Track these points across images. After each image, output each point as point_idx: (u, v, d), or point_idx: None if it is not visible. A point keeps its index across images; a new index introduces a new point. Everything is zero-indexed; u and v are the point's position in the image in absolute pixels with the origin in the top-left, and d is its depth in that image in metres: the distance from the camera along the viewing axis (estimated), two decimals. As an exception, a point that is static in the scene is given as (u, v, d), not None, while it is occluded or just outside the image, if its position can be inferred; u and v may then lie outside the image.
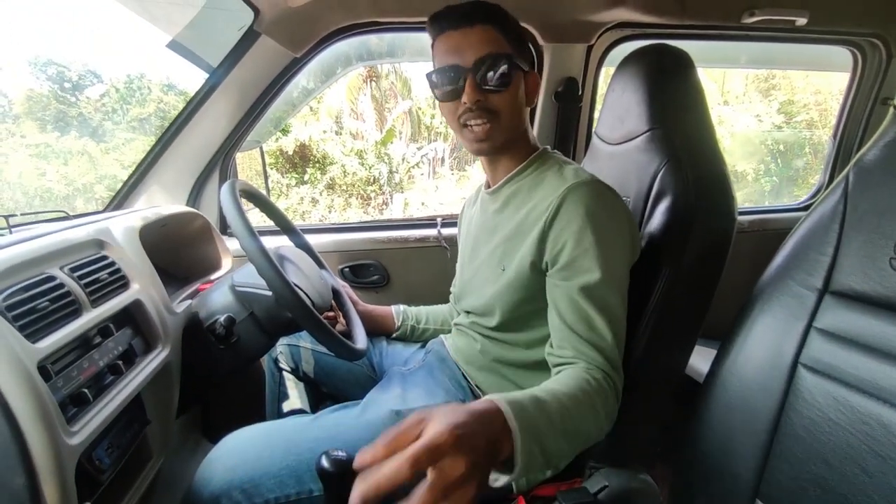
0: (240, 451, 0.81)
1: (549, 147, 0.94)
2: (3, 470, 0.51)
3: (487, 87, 0.81)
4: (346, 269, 1.56)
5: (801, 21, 1.37)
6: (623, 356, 0.85)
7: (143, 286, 0.83)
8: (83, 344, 0.69)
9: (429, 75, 0.86)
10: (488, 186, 0.97)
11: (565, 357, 0.77)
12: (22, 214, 0.97)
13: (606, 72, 1.54)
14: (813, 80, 7.83)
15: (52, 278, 0.67)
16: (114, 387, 0.70)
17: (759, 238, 1.70)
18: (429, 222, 1.61)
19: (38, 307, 0.62)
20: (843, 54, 1.69)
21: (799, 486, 0.62)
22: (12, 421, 0.52)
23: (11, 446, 0.51)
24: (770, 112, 8.22)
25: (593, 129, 1.22)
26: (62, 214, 1.08)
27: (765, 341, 0.69)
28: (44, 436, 0.54)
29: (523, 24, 1.15)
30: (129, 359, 0.77)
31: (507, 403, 0.53)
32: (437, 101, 0.88)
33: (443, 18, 0.83)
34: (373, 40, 1.59)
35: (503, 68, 0.80)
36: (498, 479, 0.53)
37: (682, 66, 0.92)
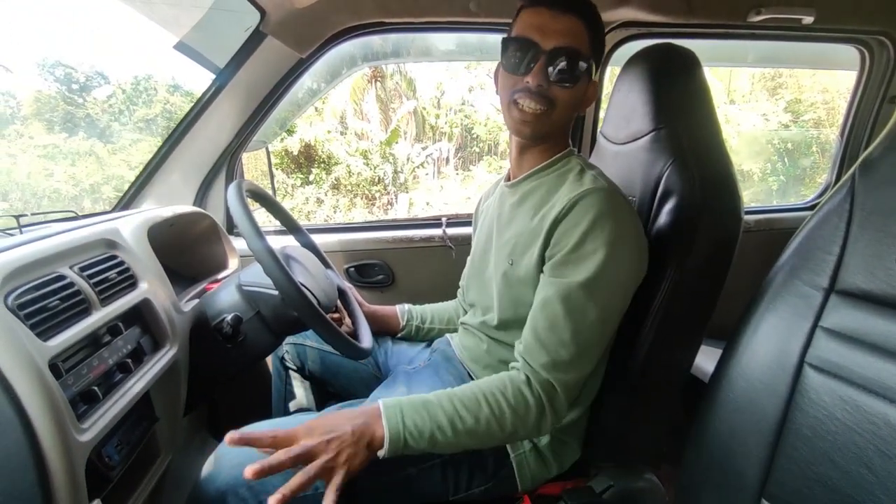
0: (246, 448, 0.82)
1: (575, 150, 0.93)
2: (16, 466, 0.52)
3: (554, 78, 0.80)
4: (352, 269, 1.56)
5: (808, 19, 1.36)
6: (628, 358, 0.85)
7: (152, 285, 0.84)
8: (93, 342, 0.70)
9: (504, 40, 0.84)
10: (508, 179, 0.97)
11: (518, 351, 0.80)
12: (32, 214, 0.98)
13: (612, 71, 1.54)
14: (820, 79, 7.79)
15: (62, 277, 0.68)
16: (123, 385, 0.71)
17: (766, 237, 1.69)
18: (434, 222, 1.61)
19: (49, 306, 0.63)
20: (850, 52, 1.68)
21: (805, 486, 0.62)
22: (24, 418, 0.52)
23: (23, 443, 0.52)
24: (777, 111, 8.18)
25: (598, 129, 1.22)
26: (71, 214, 1.09)
27: (770, 341, 0.69)
28: (55, 432, 0.54)
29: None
30: (138, 357, 0.77)
31: (383, 402, 0.74)
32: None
33: None
34: (377, 41, 1.60)
35: (577, 65, 0.79)
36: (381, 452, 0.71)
37: (688, 66, 0.92)
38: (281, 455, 0.64)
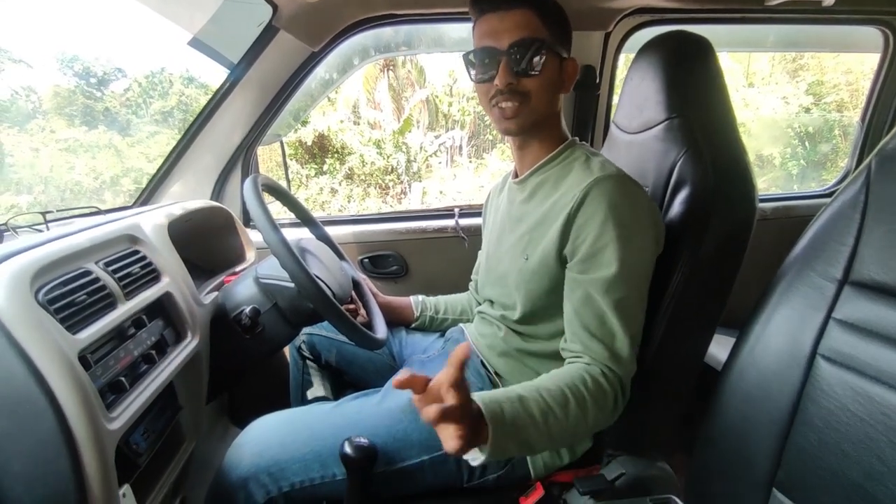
0: (266, 437, 0.84)
1: (577, 139, 0.93)
2: (50, 454, 0.55)
3: (520, 71, 0.81)
4: (366, 260, 1.58)
5: (828, 1, 1.32)
6: (641, 346, 0.86)
7: (173, 279, 0.86)
8: (119, 335, 0.72)
9: (465, 56, 0.87)
10: (515, 176, 0.97)
11: (574, 351, 0.79)
12: (58, 211, 1.02)
13: (626, 58, 1.52)
14: (843, 59, 7.54)
15: (88, 272, 0.70)
16: (148, 375, 0.74)
17: (783, 225, 1.67)
18: (446, 213, 1.62)
19: (77, 300, 0.65)
20: (873, 34, 1.63)
21: (816, 476, 0.62)
22: (57, 408, 0.55)
23: (57, 431, 0.55)
24: (798, 93, 7.96)
25: (611, 118, 1.21)
26: (94, 210, 1.12)
27: (783, 331, 0.69)
28: (86, 421, 0.57)
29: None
30: (162, 349, 0.80)
31: (484, 406, 0.64)
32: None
33: (483, 1, 0.83)
34: (389, 32, 1.59)
35: (537, 53, 0.80)
36: (476, 459, 0.65)
37: (702, 53, 0.91)
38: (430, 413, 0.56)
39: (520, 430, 0.66)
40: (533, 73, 0.81)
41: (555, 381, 0.73)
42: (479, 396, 0.66)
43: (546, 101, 0.85)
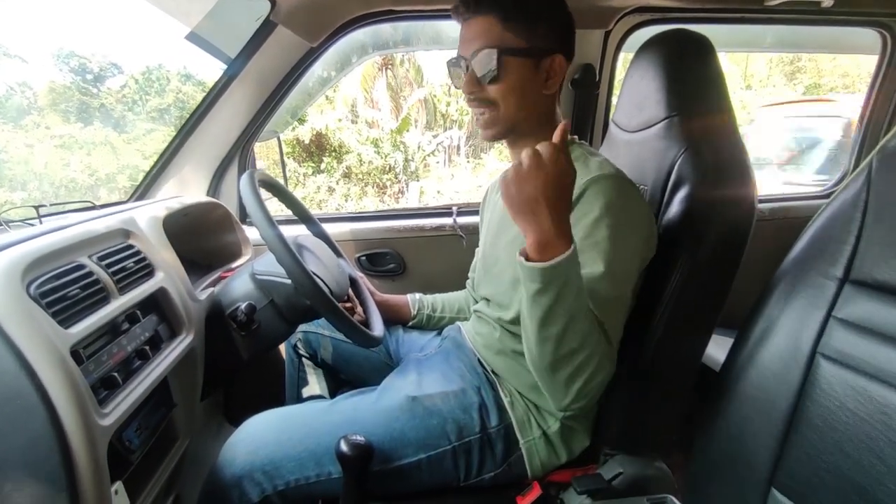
0: (260, 434, 0.84)
1: (576, 137, 0.93)
2: (40, 450, 0.54)
3: (482, 79, 0.82)
4: (363, 258, 1.57)
5: (827, 2, 1.32)
6: (639, 346, 0.85)
7: (168, 274, 0.85)
8: (112, 330, 0.71)
9: (448, 63, 0.88)
10: None
11: None
12: (51, 205, 1.01)
13: (625, 57, 1.51)
14: (840, 61, 7.60)
15: (81, 266, 0.69)
16: (141, 371, 0.73)
17: (781, 226, 1.67)
18: (444, 211, 1.61)
19: (69, 294, 0.64)
20: (871, 36, 1.64)
21: (815, 476, 0.62)
22: (48, 403, 0.54)
23: (48, 427, 0.54)
24: (795, 96, 8.00)
25: (611, 117, 1.21)
26: (89, 204, 1.11)
27: (783, 331, 0.69)
28: (77, 417, 0.56)
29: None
30: (156, 344, 0.79)
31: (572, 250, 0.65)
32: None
33: (454, 11, 0.85)
34: (388, 29, 1.59)
35: (494, 60, 0.80)
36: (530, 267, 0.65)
37: (702, 52, 0.90)
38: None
39: (570, 283, 0.65)
40: (492, 80, 0.82)
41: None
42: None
43: (515, 105, 0.84)
